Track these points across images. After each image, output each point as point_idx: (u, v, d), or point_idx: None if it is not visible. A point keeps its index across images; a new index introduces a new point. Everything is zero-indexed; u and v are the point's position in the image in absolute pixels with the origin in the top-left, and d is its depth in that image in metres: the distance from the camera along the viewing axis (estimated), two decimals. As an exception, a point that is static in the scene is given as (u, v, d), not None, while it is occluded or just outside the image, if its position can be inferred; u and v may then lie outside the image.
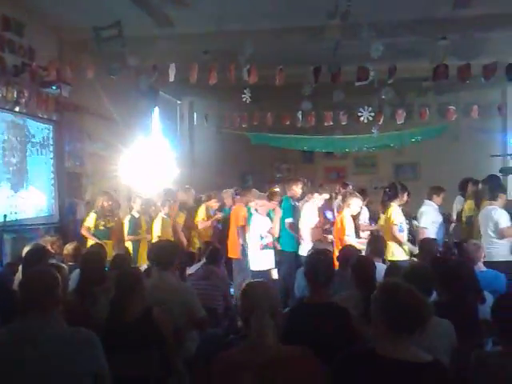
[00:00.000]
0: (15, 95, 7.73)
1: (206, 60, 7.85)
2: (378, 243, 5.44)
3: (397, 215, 6.51)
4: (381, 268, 4.40)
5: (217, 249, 5.90)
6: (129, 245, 7.43)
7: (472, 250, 4.88)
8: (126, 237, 7.51)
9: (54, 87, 8.13)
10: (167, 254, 4.06)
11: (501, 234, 6.07)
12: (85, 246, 6.45)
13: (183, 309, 3.81)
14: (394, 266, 4.22)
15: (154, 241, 7.30)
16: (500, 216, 6.20)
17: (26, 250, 4.86)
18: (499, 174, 10.01)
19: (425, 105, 9.37)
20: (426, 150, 11.53)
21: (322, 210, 7.54)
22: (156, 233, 7.51)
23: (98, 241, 6.80)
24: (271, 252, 7.07)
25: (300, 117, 9.34)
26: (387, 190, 7.07)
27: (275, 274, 7.11)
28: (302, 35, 7.97)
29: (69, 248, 5.50)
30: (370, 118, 8.88)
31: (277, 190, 7.78)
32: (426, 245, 5.51)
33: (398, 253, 6.26)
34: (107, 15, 7.16)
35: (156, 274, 3.94)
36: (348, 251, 4.92)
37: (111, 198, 7.59)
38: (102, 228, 7.34)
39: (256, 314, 2.41)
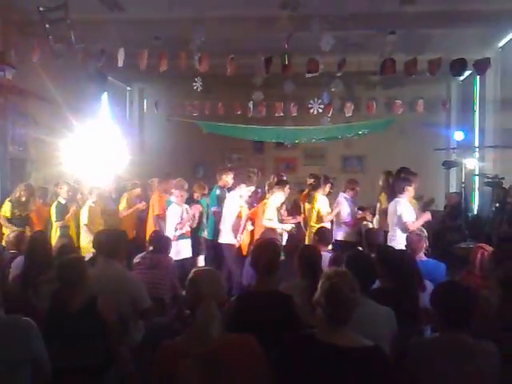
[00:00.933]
0: (-45, 77, 7.41)
1: (157, 46, 7.74)
2: (324, 232, 5.54)
3: (322, 204, 7.09)
4: (326, 257, 4.49)
5: (164, 238, 5.86)
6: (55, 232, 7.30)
7: (414, 239, 5.02)
8: (54, 223, 7.37)
9: (-3, 70, 7.83)
10: (113, 243, 4.01)
11: (405, 228, 6.05)
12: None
13: (129, 298, 3.78)
14: (338, 255, 4.31)
15: (81, 229, 7.28)
16: (403, 209, 6.28)
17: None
18: (442, 167, 10.43)
19: (372, 98, 9.57)
20: (373, 142, 11.78)
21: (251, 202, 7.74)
22: (83, 221, 7.38)
23: (14, 228, 6.63)
24: (187, 241, 7.18)
25: (251, 107, 9.35)
26: (312, 181, 7.92)
27: (201, 262, 7.38)
28: (253, 25, 7.97)
29: (10, 236, 5.35)
30: (320, 110, 9.01)
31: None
32: (370, 235, 5.66)
33: None
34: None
35: (102, 263, 3.88)
36: (294, 240, 4.99)
37: (29, 188, 7.42)
38: (17, 217, 7.15)
39: (202, 303, 2.42)
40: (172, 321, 4.76)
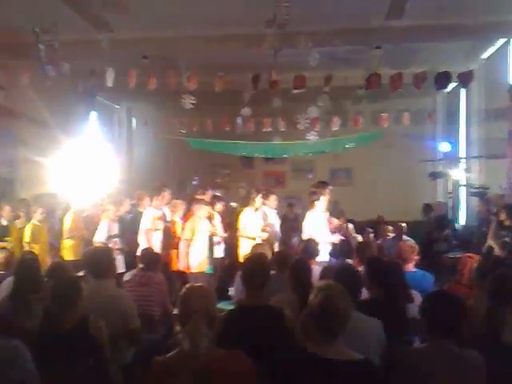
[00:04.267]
0: None
1: (145, 65, 7.80)
2: (310, 246, 5.58)
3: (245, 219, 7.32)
4: (316, 270, 4.53)
5: (154, 255, 5.86)
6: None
7: (407, 250, 5.09)
8: None
9: (-15, 91, 7.85)
10: (102, 262, 4.02)
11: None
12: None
13: (120, 317, 3.78)
14: (327, 269, 4.35)
15: (25, 247, 6.95)
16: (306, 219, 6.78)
17: None
18: (429, 178, 10.54)
19: (359, 112, 9.70)
20: (361, 155, 11.87)
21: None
22: (26, 239, 7.14)
23: None
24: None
25: (240, 122, 9.43)
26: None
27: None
28: (239, 43, 8.06)
29: (0, 256, 5.33)
30: (307, 125, 9.10)
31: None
32: (362, 246, 5.70)
33: None
34: (42, 18, 6.98)
35: (92, 282, 3.89)
36: (285, 254, 5.02)
37: None
38: None
39: (192, 320, 2.44)
40: (162, 338, 4.76)
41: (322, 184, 7.13)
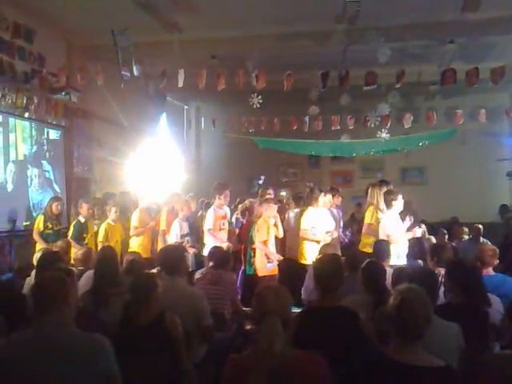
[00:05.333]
0: (25, 101, 7.81)
1: (214, 65, 7.89)
2: (381, 247, 5.43)
3: (308, 219, 6.91)
4: (388, 272, 4.40)
5: (224, 253, 5.90)
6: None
7: (489, 254, 4.88)
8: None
9: (63, 93, 8.21)
10: (174, 259, 4.09)
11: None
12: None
13: (193, 314, 3.83)
14: (400, 271, 4.21)
15: (98, 246, 6.99)
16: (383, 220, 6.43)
17: (37, 255, 4.90)
18: (507, 178, 10.04)
19: (432, 108, 9.38)
20: (433, 153, 11.51)
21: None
22: (100, 238, 7.23)
23: (45, 244, 6.61)
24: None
25: (307, 121, 9.37)
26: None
27: None
28: (309, 40, 8.00)
29: (78, 253, 5.53)
30: (377, 123, 8.90)
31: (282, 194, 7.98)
32: (437, 248, 5.50)
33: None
34: (116, 21, 7.21)
35: (166, 279, 3.96)
36: (357, 255, 4.92)
37: (60, 202, 7.34)
38: (49, 231, 7.05)
39: (266, 320, 2.42)
40: (233, 336, 4.78)
41: (384, 183, 6.94)
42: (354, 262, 4.59)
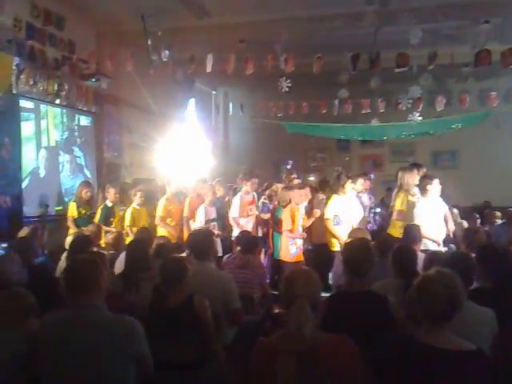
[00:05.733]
0: (56, 88, 7.92)
1: (242, 49, 7.85)
2: (412, 231, 5.36)
3: (332, 207, 6.74)
4: (420, 256, 4.35)
5: (252, 238, 5.92)
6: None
7: None
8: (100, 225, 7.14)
9: (93, 80, 8.30)
10: (203, 244, 4.11)
11: None
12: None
13: (222, 297, 3.85)
14: (433, 255, 4.15)
15: (124, 231, 7.09)
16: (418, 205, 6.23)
17: (69, 239, 4.99)
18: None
19: (465, 91, 9.17)
20: (466, 136, 11.27)
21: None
22: (126, 222, 7.31)
23: (77, 229, 6.69)
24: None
25: (337, 104, 9.27)
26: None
27: None
28: (339, 22, 7.88)
29: (109, 237, 5.63)
30: (409, 105, 8.74)
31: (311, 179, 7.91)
32: (470, 233, 5.40)
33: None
34: (144, 7, 7.23)
35: (195, 263, 3.99)
36: (386, 239, 4.87)
37: (90, 187, 7.44)
38: (82, 217, 7.14)
39: (296, 303, 2.42)
40: (262, 319, 4.81)
41: (416, 166, 6.77)
42: (383, 247, 4.55)
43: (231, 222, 7.37)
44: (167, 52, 7.37)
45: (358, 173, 8.07)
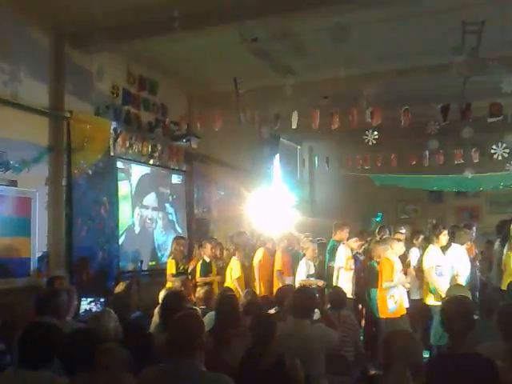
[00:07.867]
0: (150, 149, 8.35)
1: (326, 105, 7.91)
2: None
3: (432, 258, 6.56)
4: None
5: (342, 294, 5.75)
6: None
7: None
8: (198, 279, 7.40)
9: (184, 140, 8.68)
10: (304, 303, 4.04)
11: None
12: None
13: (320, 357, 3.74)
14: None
15: (229, 284, 7.24)
16: None
17: (162, 294, 5.09)
18: None
19: None
20: None
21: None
22: (234, 275, 7.40)
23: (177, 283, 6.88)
24: None
25: (427, 155, 9.05)
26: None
27: None
28: (426, 74, 7.79)
29: (200, 292, 5.68)
30: (505, 155, 8.34)
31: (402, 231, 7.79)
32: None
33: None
34: (232, 70, 7.53)
35: (291, 321, 3.92)
36: (490, 298, 4.56)
37: (185, 241, 7.70)
38: (181, 271, 7.29)
39: (394, 366, 2.30)
40: (357, 381, 4.59)
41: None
42: (489, 305, 4.26)
43: (336, 271, 7.22)
44: (255, 111, 7.58)
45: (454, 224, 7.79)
